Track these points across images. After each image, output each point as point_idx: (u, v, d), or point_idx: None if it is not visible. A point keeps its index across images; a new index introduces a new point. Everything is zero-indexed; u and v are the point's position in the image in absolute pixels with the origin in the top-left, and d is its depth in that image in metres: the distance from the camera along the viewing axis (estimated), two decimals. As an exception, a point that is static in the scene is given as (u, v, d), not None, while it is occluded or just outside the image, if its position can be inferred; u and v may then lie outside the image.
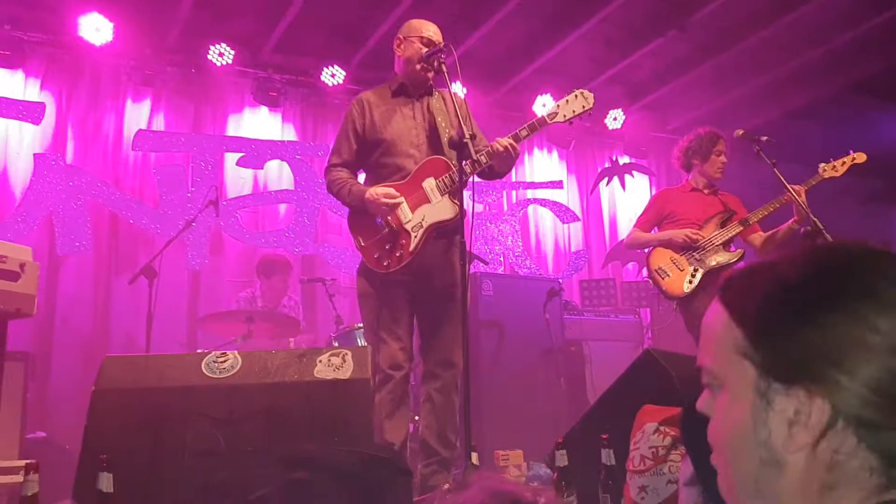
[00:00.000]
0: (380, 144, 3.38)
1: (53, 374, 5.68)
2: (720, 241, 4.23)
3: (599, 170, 8.39)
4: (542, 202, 8.07)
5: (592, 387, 5.61)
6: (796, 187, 4.00)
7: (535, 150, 8.15)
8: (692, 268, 4.21)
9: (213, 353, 2.51)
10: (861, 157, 4.17)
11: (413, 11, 6.05)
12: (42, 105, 6.14)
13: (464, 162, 3.09)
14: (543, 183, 8.09)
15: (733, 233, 4.25)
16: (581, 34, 6.53)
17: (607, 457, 2.23)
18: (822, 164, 4.21)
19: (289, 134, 7.07)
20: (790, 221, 4.16)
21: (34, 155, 6.07)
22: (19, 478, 1.89)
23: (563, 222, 8.09)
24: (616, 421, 2.36)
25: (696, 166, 4.48)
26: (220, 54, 6.43)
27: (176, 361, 2.58)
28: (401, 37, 3.51)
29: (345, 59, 6.84)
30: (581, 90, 3.37)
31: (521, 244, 7.75)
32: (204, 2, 5.97)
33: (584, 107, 3.36)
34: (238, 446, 2.24)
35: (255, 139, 6.87)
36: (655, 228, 4.52)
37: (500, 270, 7.44)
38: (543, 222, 8.05)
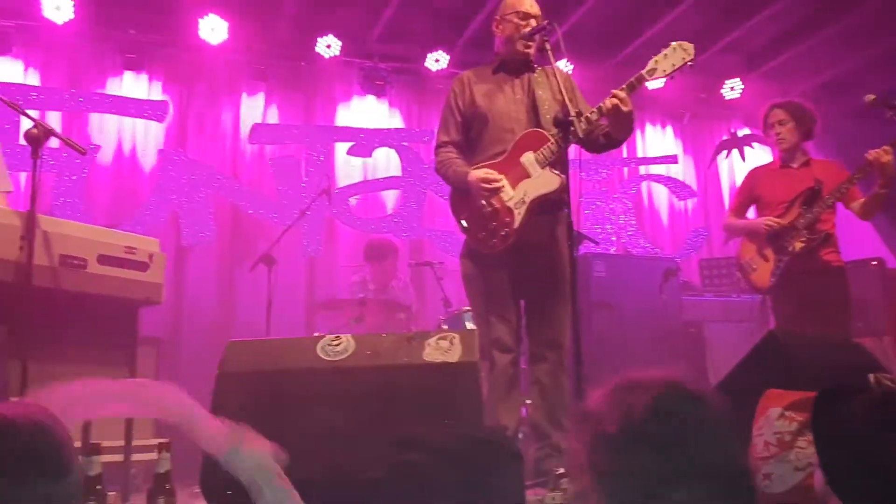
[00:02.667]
0: (479, 121, 3.34)
1: (182, 358, 6.00)
2: (804, 225, 3.98)
3: (717, 143, 8.05)
4: (656, 178, 7.82)
5: (713, 370, 5.40)
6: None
7: (648, 124, 7.91)
8: (776, 257, 3.99)
9: (328, 336, 2.56)
10: None
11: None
12: (165, 103, 6.47)
13: (561, 133, 3.00)
14: (657, 158, 7.85)
15: (818, 213, 3.97)
16: (693, 2, 6.26)
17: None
18: None
19: (395, 121, 7.16)
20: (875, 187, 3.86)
21: (158, 151, 6.41)
22: (154, 455, 1.99)
23: (680, 199, 7.82)
24: (738, 406, 2.26)
25: None
26: (328, 46, 6.58)
27: (293, 345, 2.66)
28: (498, 17, 3.46)
29: (448, 43, 6.84)
30: (680, 42, 3.12)
31: (634, 223, 7.55)
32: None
33: (684, 59, 3.11)
34: (351, 427, 2.29)
35: (363, 128, 7.00)
36: (754, 210, 4.32)
37: (613, 250, 7.28)
38: (658, 199, 7.81)
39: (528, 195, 3.17)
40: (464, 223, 3.30)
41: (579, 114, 3.10)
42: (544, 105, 3.29)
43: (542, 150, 3.17)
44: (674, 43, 3.14)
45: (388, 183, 7.04)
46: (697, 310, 5.72)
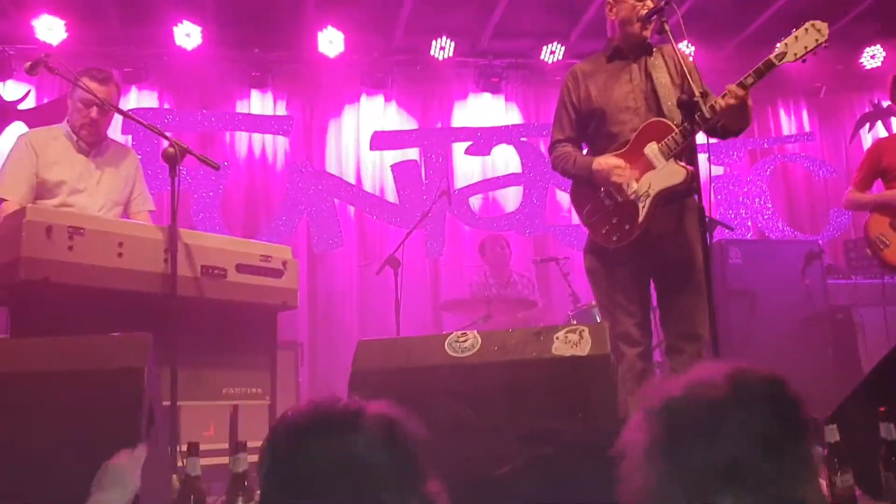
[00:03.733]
0: (595, 114, 3.21)
1: (320, 360, 6.23)
2: None
3: (858, 116, 7.52)
4: (792, 157, 7.41)
5: (867, 355, 5.04)
6: None
7: (780, 102, 7.49)
8: None
9: (455, 333, 2.57)
10: None
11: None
12: (289, 118, 6.75)
13: (686, 115, 2.85)
14: (791, 136, 7.43)
15: None
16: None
17: (887, 431, 1.99)
18: None
19: (513, 116, 7.13)
20: None
21: (287, 164, 6.69)
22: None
23: (819, 178, 7.37)
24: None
25: None
26: (442, 48, 6.65)
27: (421, 343, 2.69)
28: (611, 0, 3.32)
29: (563, 35, 6.75)
30: (812, 22, 2.88)
31: (770, 206, 7.17)
32: (423, 0, 6.19)
33: (817, 41, 2.87)
34: (482, 423, 2.28)
35: (480, 127, 7.02)
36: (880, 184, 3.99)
37: (749, 236, 6.96)
38: (795, 180, 7.39)
39: (652, 188, 3.02)
40: (586, 217, 3.19)
41: (704, 94, 2.96)
42: (664, 90, 3.14)
43: (665, 140, 3.01)
44: (806, 23, 2.91)
45: (508, 180, 7.03)
46: (845, 293, 5.35)
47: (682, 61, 3.00)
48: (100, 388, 2.04)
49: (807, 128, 7.48)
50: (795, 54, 2.91)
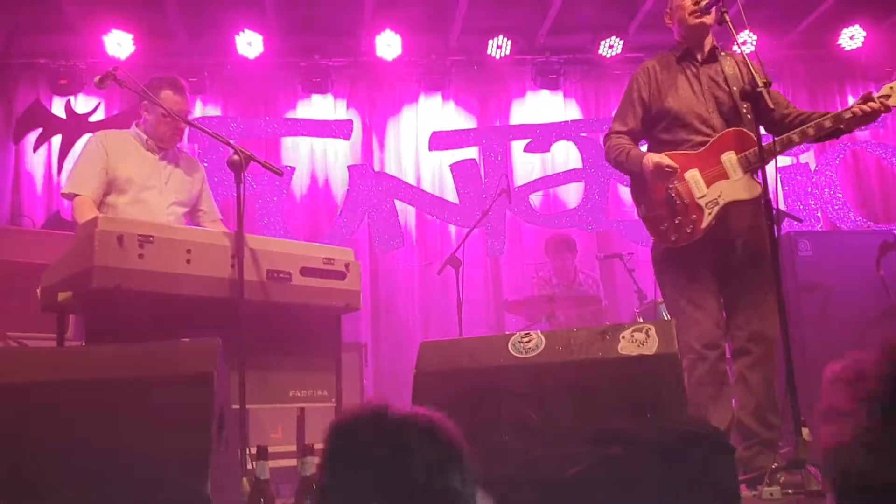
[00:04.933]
0: (665, 115, 3.17)
1: (384, 361, 6.28)
2: None
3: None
4: (863, 145, 7.14)
5: (949, 349, 4.83)
6: None
7: (849, 89, 7.23)
8: None
9: (518, 333, 2.56)
10: None
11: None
12: (350, 122, 6.83)
13: (774, 139, 2.93)
14: (861, 124, 7.16)
15: None
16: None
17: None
18: None
19: (572, 112, 7.06)
20: None
21: (348, 167, 6.77)
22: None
23: (892, 165, 7.08)
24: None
25: None
26: (499, 47, 6.64)
27: (484, 343, 2.68)
28: (668, 10, 3.31)
29: (621, 28, 6.66)
30: None
31: (841, 195, 6.93)
32: (478, 1, 6.19)
33: None
34: (549, 423, 2.26)
35: (539, 124, 6.97)
36: None
37: (819, 227, 6.74)
38: (866, 167, 7.13)
39: (723, 197, 3.01)
40: (645, 211, 3.16)
41: (767, 84, 2.90)
42: (736, 93, 3.11)
43: (747, 153, 3.00)
44: None
45: (569, 176, 6.96)
46: (924, 285, 5.13)
47: (746, 60, 2.95)
48: (171, 394, 2.08)
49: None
50: None
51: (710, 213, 3.01)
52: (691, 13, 3.16)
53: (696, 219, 3.02)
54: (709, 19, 3.17)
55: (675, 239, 3.06)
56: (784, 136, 2.94)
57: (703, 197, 3.02)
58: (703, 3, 3.15)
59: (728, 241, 3.06)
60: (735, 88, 3.12)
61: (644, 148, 3.29)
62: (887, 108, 2.97)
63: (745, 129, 3.06)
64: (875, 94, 3.01)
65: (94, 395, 2.09)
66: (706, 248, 3.05)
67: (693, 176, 3.06)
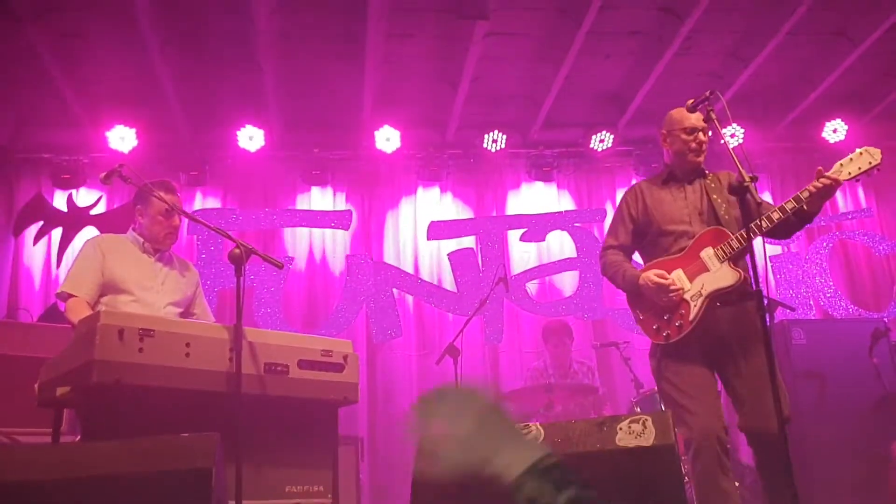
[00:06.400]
0: (652, 226, 3.42)
1: (380, 454, 6.19)
2: None
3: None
4: (851, 234, 7.27)
5: (947, 439, 4.80)
6: None
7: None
8: None
9: (517, 426, 2.56)
10: None
11: (678, 60, 5.96)
12: (349, 213, 6.95)
13: (741, 231, 3.08)
14: (848, 213, 7.31)
15: None
16: (867, 47, 5.92)
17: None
18: None
19: (565, 203, 7.21)
20: None
21: (346, 256, 6.85)
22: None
23: (880, 253, 7.19)
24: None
25: None
26: (494, 141, 6.83)
27: (482, 437, 2.67)
28: (664, 132, 3.51)
29: (611, 122, 6.88)
30: (866, 147, 3.23)
31: (832, 284, 7.01)
32: (475, 97, 6.41)
33: (870, 163, 3.22)
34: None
35: (534, 214, 7.10)
36: None
37: (812, 315, 6.79)
38: (856, 256, 7.24)
39: (705, 288, 3.19)
40: (639, 315, 3.35)
41: (754, 178, 3.01)
42: (721, 207, 3.31)
43: (721, 245, 3.19)
44: (860, 149, 3.25)
45: (564, 265, 7.04)
46: (917, 372, 5.15)
47: (735, 160, 3.11)
48: (169, 490, 2.07)
49: (863, 204, 7.37)
50: (850, 173, 3.21)
51: (695, 306, 3.18)
52: (692, 151, 3.38)
53: (684, 313, 3.19)
54: (703, 157, 3.37)
55: (666, 335, 3.22)
56: (752, 223, 3.02)
57: (688, 291, 3.21)
58: (689, 103, 3.30)
59: (717, 329, 3.17)
60: (715, 196, 3.32)
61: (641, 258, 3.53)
62: (837, 182, 3.16)
63: (721, 228, 3.24)
64: (826, 172, 3.20)
65: (92, 493, 2.07)
66: (698, 339, 3.16)
67: (678, 275, 3.24)
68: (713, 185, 3.40)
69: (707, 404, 3.11)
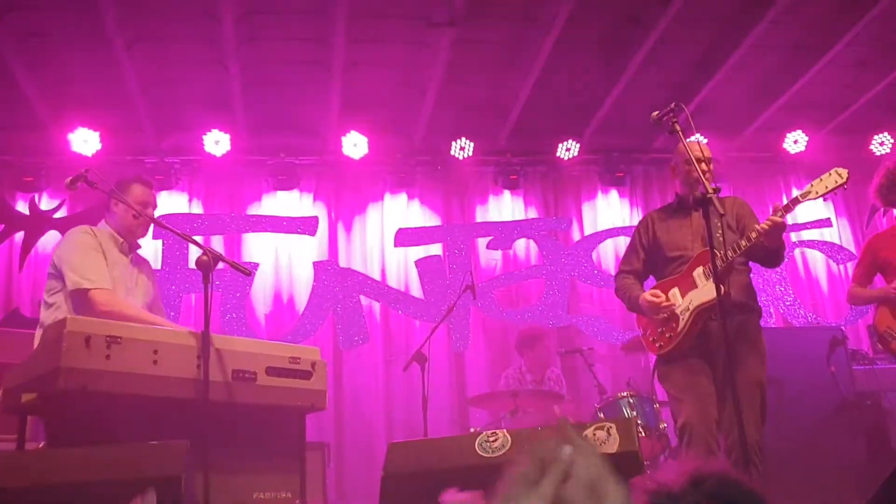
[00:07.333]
0: (660, 252, 3.82)
1: (347, 460, 6.18)
2: None
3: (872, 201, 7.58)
4: (810, 244, 7.45)
5: (900, 443, 4.95)
6: None
7: (794, 189, 7.59)
8: None
9: (485, 433, 2.60)
10: None
11: (642, 72, 6.06)
12: (315, 219, 6.93)
13: (723, 251, 3.42)
14: (808, 223, 7.49)
15: None
16: (828, 60, 6.08)
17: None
18: None
19: (532, 211, 7.28)
20: None
21: (313, 263, 6.82)
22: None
23: (838, 263, 7.38)
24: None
25: None
26: (462, 148, 6.86)
27: (452, 444, 2.70)
28: (672, 164, 3.88)
29: (577, 131, 6.96)
30: (836, 168, 3.48)
31: (791, 293, 7.17)
32: (443, 103, 6.44)
33: (837, 182, 3.45)
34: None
35: (501, 222, 7.16)
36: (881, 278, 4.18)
37: (772, 323, 6.93)
38: (815, 266, 7.41)
39: (692, 303, 3.57)
40: (641, 330, 3.79)
41: (717, 189, 3.16)
42: (717, 231, 3.52)
43: (708, 264, 3.44)
44: (832, 170, 3.48)
45: (530, 272, 7.10)
46: (872, 379, 5.30)
47: (731, 205, 3.62)
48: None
49: (823, 214, 7.55)
50: (818, 192, 3.48)
51: (683, 319, 3.58)
52: (694, 181, 3.59)
53: (675, 326, 3.60)
54: (707, 185, 3.50)
55: (659, 346, 3.64)
56: (728, 251, 3.41)
57: (679, 307, 3.60)
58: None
59: (704, 335, 3.56)
60: (715, 220, 3.48)
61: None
62: (781, 225, 3.39)
63: (711, 250, 3.40)
64: (799, 192, 3.52)
65: (60, 500, 2.06)
66: (690, 345, 3.57)
67: (674, 293, 3.65)
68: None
69: (697, 395, 3.49)
